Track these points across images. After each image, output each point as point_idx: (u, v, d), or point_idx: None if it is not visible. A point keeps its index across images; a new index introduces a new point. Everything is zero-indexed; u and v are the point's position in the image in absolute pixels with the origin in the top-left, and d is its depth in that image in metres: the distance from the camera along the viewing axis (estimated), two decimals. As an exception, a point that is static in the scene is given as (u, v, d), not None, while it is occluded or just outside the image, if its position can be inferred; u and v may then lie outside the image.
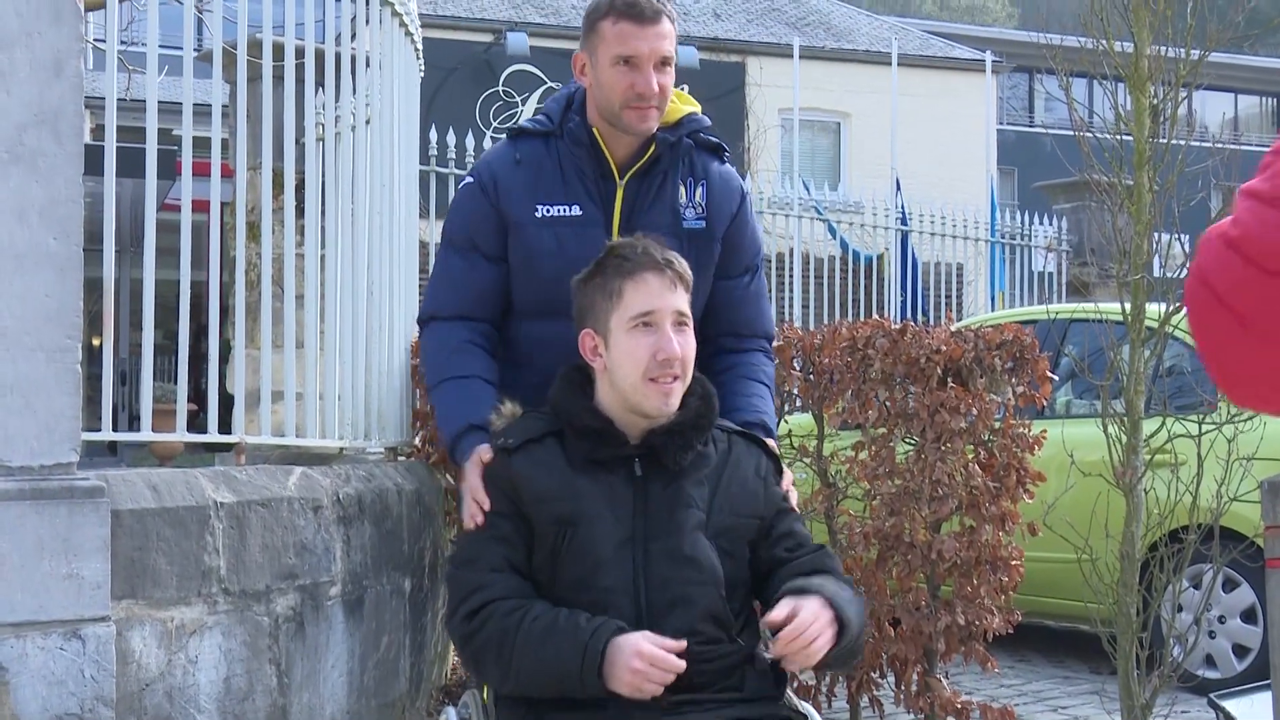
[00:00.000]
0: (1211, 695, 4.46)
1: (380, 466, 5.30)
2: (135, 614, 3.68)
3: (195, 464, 4.69)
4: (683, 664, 2.59)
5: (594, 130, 3.37)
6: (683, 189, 3.40)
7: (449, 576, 2.85)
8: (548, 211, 3.34)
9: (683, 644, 2.62)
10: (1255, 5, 5.10)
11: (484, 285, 3.42)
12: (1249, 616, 6.28)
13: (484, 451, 3.14)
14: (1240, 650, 6.31)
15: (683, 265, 2.85)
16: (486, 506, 3.02)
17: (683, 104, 3.53)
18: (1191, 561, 4.81)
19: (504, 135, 3.61)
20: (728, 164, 3.56)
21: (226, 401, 4.68)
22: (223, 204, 4.68)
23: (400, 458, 5.84)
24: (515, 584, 2.76)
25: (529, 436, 2.85)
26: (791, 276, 14.14)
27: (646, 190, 3.37)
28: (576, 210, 3.35)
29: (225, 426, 4.58)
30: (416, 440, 6.13)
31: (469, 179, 3.53)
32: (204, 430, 4.53)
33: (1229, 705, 4.37)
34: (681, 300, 2.82)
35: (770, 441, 3.21)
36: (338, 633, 4.63)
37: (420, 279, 7.90)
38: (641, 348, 2.76)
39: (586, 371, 2.92)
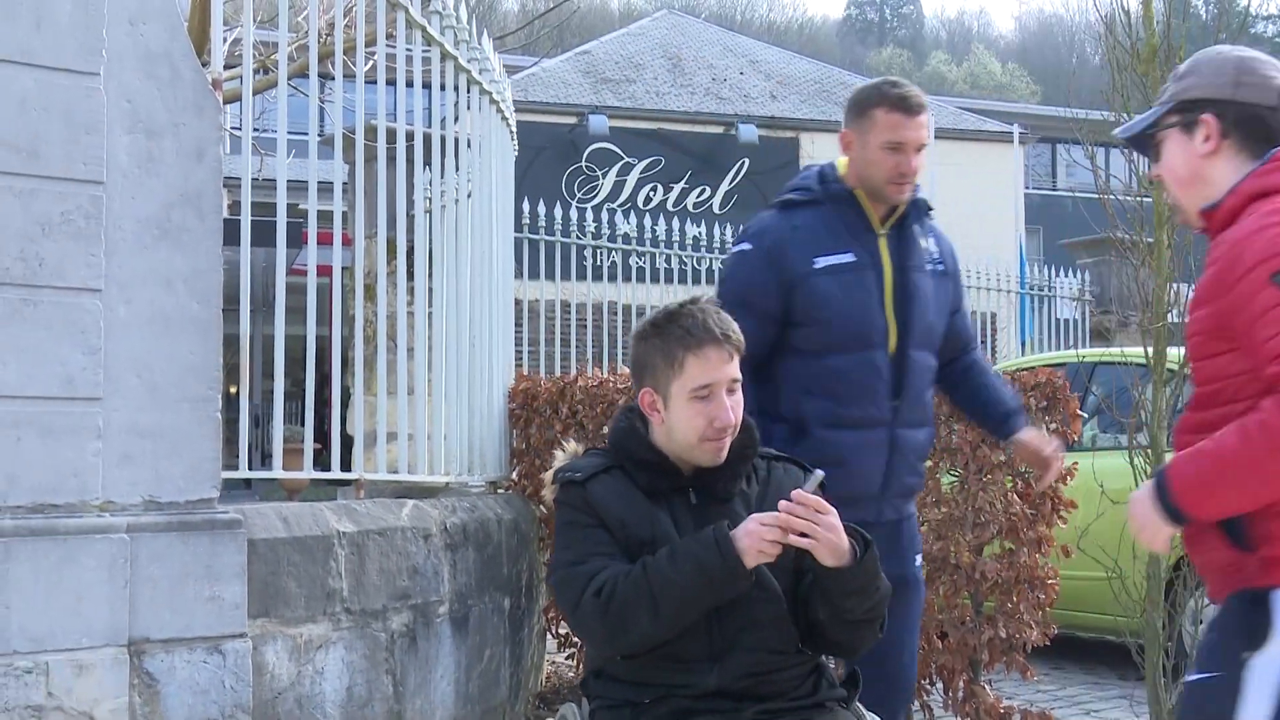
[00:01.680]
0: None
1: (482, 498, 5.31)
2: (269, 631, 3.69)
3: (320, 498, 4.71)
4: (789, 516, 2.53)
5: (854, 193, 3.47)
6: (923, 240, 3.51)
7: (562, 579, 2.70)
8: (825, 261, 3.40)
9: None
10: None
11: (750, 338, 3.23)
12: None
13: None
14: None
15: (739, 336, 2.76)
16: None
17: None
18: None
19: (774, 207, 3.58)
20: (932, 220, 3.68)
21: (347, 442, 4.71)
22: (343, 268, 4.71)
23: (500, 490, 5.85)
24: (625, 563, 2.66)
25: (596, 470, 2.78)
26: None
27: (901, 240, 3.46)
28: (850, 257, 3.41)
29: (346, 464, 4.61)
30: (514, 474, 6.15)
31: (745, 246, 3.52)
32: (327, 468, 4.55)
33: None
34: (736, 369, 2.74)
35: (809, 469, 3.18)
36: (445, 646, 4.63)
37: (515, 332, 7.95)
38: (700, 416, 2.69)
39: (640, 411, 2.85)
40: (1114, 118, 4.64)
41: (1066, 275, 16.10)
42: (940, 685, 4.98)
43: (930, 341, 3.49)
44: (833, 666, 2.91)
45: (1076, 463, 4.84)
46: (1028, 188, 23.40)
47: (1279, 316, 2.17)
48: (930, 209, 3.61)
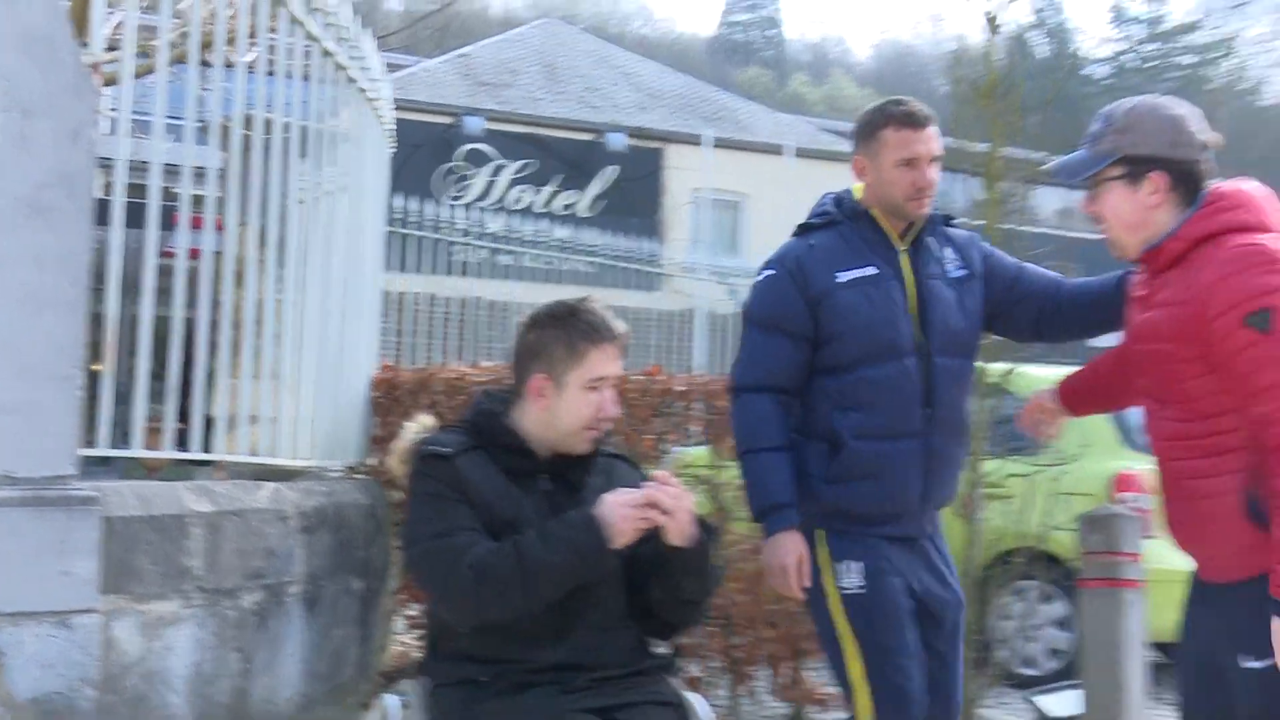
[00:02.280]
0: (1026, 694, 4.52)
1: (340, 483, 5.25)
2: (120, 607, 3.60)
3: (181, 478, 4.60)
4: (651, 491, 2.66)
5: (870, 212, 3.37)
6: (942, 250, 3.40)
7: (428, 550, 2.67)
8: (848, 276, 3.30)
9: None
10: (1083, 120, 5.21)
11: (785, 358, 3.32)
12: (1063, 625, 6.37)
13: (796, 545, 3.21)
14: (1054, 653, 6.38)
15: (627, 338, 2.86)
16: (804, 585, 3.21)
17: None
18: (1018, 579, 4.86)
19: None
20: (954, 224, 3.53)
21: (210, 424, 4.62)
22: (214, 253, 4.62)
23: (358, 476, 5.79)
24: (489, 540, 2.68)
25: (463, 447, 2.78)
26: (694, 329, 14.17)
27: (921, 254, 3.35)
28: (872, 270, 3.31)
29: (208, 445, 4.52)
30: (373, 461, 6.08)
31: (769, 271, 3.42)
32: (188, 448, 4.46)
33: (1040, 701, 4.43)
34: (621, 368, 2.85)
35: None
36: (296, 625, 4.57)
37: (383, 322, 7.84)
38: (589, 405, 2.77)
39: (500, 396, 2.90)
40: (955, 144, 4.74)
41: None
42: (767, 672, 5.06)
43: (958, 347, 3.33)
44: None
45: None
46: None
47: (1254, 356, 2.46)
48: (949, 219, 3.51)
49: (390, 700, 2.89)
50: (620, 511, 2.64)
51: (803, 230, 3.47)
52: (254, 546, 4.17)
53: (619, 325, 2.83)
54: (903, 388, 3.21)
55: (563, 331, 2.79)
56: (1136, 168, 2.70)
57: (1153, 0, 56.63)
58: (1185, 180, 2.69)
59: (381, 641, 5.43)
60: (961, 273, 3.37)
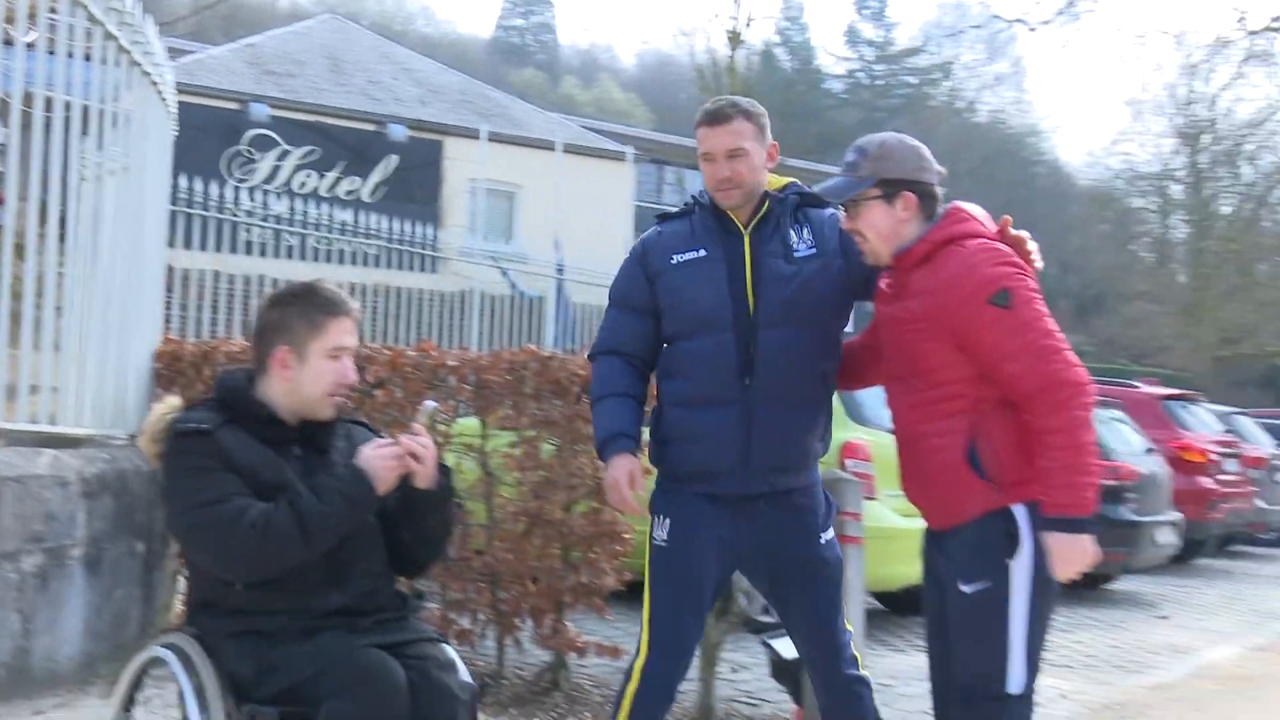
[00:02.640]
0: (762, 637, 4.67)
1: (122, 450, 5.06)
2: (-106, 570, 3.39)
3: (-42, 444, 4.36)
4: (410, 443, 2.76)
5: (716, 202, 3.37)
6: (792, 232, 3.34)
7: (202, 519, 2.62)
8: (680, 258, 3.34)
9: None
10: (820, 129, 5.42)
11: (631, 328, 3.38)
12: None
13: (626, 463, 3.26)
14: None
15: (359, 314, 2.92)
16: (630, 493, 3.23)
17: (782, 179, 3.48)
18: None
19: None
20: (829, 210, 3.43)
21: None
22: (-5, 227, 4.38)
23: (140, 443, 5.57)
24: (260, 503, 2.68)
25: (219, 423, 2.74)
26: (471, 310, 14.09)
27: (764, 237, 3.32)
28: (702, 253, 3.32)
29: (-13, 413, 4.29)
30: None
31: (627, 255, 3.50)
32: (-32, 416, 4.22)
33: (774, 644, 4.58)
34: (356, 340, 2.89)
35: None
36: (77, 587, 4.40)
37: (168, 297, 7.53)
38: (331, 372, 2.80)
39: (240, 374, 2.89)
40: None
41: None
42: (531, 623, 5.10)
43: (792, 320, 3.28)
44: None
45: (653, 437, 5.07)
46: (639, 200, 24.11)
47: (1001, 328, 2.84)
48: (822, 202, 3.43)
49: (162, 652, 2.77)
50: (382, 462, 2.73)
51: (660, 219, 3.55)
52: (34, 511, 3.99)
53: (353, 302, 2.90)
54: (717, 359, 3.24)
55: (302, 307, 2.82)
56: (891, 189, 3.02)
57: (881, 26, 58.84)
58: (928, 199, 3.05)
59: (166, 601, 5.25)
60: (809, 252, 3.35)
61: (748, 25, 3.99)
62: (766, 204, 3.36)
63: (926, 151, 3.09)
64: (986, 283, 2.87)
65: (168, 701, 2.90)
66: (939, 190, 3.10)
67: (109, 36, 4.87)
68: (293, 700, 2.61)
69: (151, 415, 2.86)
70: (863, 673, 3.43)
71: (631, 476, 3.26)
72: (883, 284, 3.15)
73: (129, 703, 2.89)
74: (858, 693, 3.39)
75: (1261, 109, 25.85)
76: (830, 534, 3.40)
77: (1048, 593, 2.95)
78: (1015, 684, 2.92)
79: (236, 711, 2.63)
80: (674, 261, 3.35)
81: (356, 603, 2.75)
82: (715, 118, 3.33)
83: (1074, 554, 2.83)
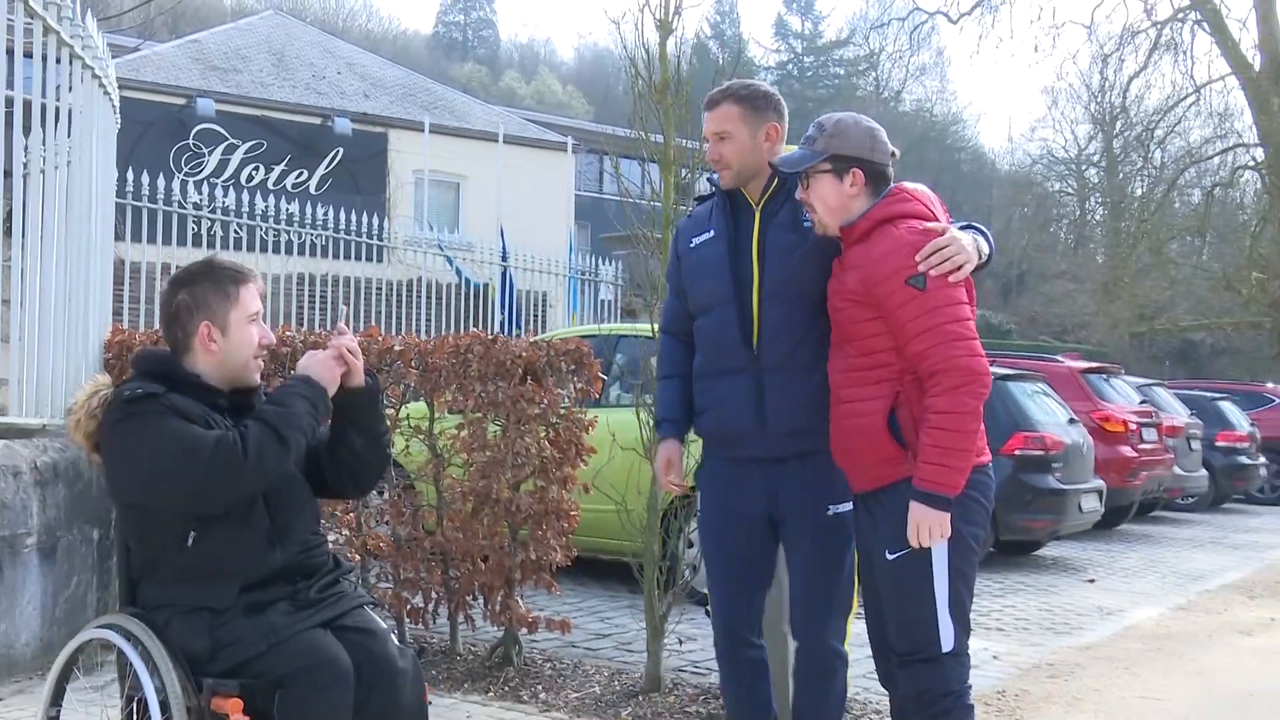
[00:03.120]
0: (707, 607, 4.66)
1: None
2: None
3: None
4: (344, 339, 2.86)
5: None
6: (797, 206, 3.32)
7: (170, 457, 2.58)
8: (697, 240, 3.46)
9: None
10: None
11: (675, 309, 3.57)
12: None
13: (665, 450, 3.48)
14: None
15: (259, 279, 2.96)
16: (669, 476, 3.46)
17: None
18: (698, 510, 4.98)
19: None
20: None
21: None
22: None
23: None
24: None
25: (162, 389, 2.71)
26: (419, 297, 13.96)
27: (773, 211, 3.35)
28: (711, 234, 3.42)
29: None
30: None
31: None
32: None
33: (720, 613, 4.58)
34: (260, 304, 2.92)
35: None
36: (33, 575, 4.30)
37: (118, 289, 7.36)
38: (253, 336, 2.83)
39: (158, 355, 2.89)
40: (634, 135, 4.80)
41: (607, 264, 16.72)
42: (482, 600, 5.06)
43: (792, 293, 3.29)
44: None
45: (597, 416, 5.05)
46: (579, 190, 24.02)
47: (913, 307, 2.90)
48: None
49: (102, 632, 2.71)
50: (322, 364, 2.82)
51: (697, 200, 3.65)
52: (-15, 501, 3.88)
53: (251, 268, 2.95)
54: (724, 333, 3.35)
55: (212, 282, 2.82)
56: (842, 164, 3.07)
57: (809, 19, 59.03)
58: (877, 178, 3.10)
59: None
60: (807, 223, 3.31)
61: (676, 14, 3.96)
62: (776, 179, 3.35)
63: (881, 133, 3.14)
64: (907, 264, 2.93)
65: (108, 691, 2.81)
66: (890, 171, 3.14)
67: (48, 30, 4.74)
68: (248, 674, 2.59)
69: (80, 396, 2.78)
70: (845, 648, 3.45)
71: (668, 462, 3.47)
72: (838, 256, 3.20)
73: (58, 696, 2.82)
74: (832, 666, 3.39)
75: (1169, 96, 26.25)
76: (839, 509, 3.33)
77: (967, 552, 3.01)
78: (947, 642, 2.97)
79: (191, 683, 2.58)
80: (691, 245, 3.50)
81: (298, 561, 2.77)
82: (707, 103, 3.47)
83: (932, 527, 2.90)
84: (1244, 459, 14.25)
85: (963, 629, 3.02)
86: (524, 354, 4.85)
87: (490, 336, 4.99)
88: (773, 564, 3.47)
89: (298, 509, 2.83)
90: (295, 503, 2.83)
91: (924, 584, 2.96)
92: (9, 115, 4.48)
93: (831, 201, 3.10)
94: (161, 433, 2.61)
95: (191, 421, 2.66)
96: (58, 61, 4.91)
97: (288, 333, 5.30)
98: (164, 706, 2.54)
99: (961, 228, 3.11)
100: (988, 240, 3.17)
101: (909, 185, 3.14)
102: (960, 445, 2.88)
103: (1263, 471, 14.97)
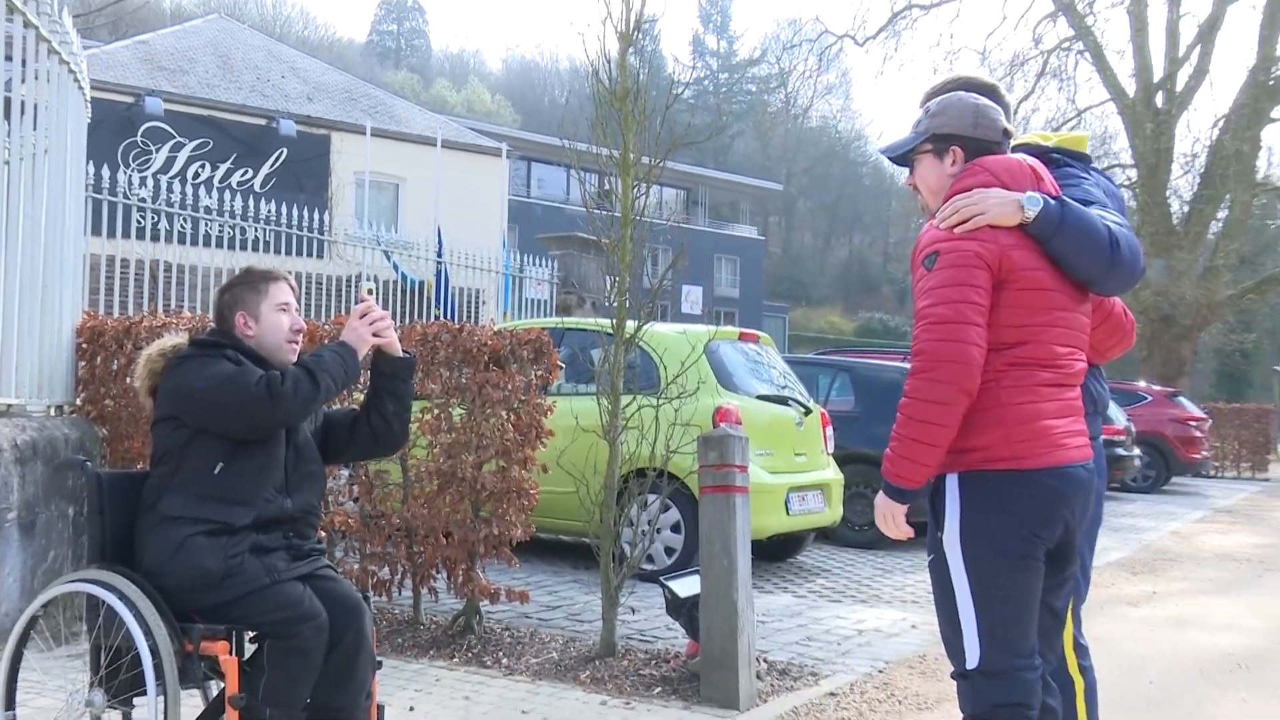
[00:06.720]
0: (661, 579, 4.73)
1: (50, 420, 4.84)
2: None
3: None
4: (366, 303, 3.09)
5: None
6: None
7: (227, 378, 2.88)
8: None
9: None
10: (686, 130, 5.44)
11: None
12: (676, 529, 6.67)
13: None
14: (669, 551, 6.68)
15: (291, 280, 3.15)
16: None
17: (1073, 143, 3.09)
18: (646, 492, 5.05)
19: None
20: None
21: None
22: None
23: (66, 413, 5.34)
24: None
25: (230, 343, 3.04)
26: (359, 292, 13.78)
27: None
28: None
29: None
30: (78, 400, 5.62)
31: None
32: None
33: (671, 585, 4.65)
34: (293, 298, 3.13)
35: None
36: (13, 548, 4.20)
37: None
38: (283, 322, 3.08)
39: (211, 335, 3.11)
40: (590, 146, 4.81)
41: (539, 263, 16.67)
42: (444, 573, 5.06)
43: None
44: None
45: (555, 401, 5.08)
46: (511, 194, 23.91)
47: (920, 288, 2.60)
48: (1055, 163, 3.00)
49: (87, 586, 2.83)
50: (353, 330, 3.06)
51: None
52: (-27, 476, 3.78)
53: (282, 270, 3.19)
54: None
55: (246, 281, 3.12)
56: (941, 143, 2.73)
57: (725, 38, 59.38)
58: (982, 155, 2.70)
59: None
60: None
61: (637, 29, 3.96)
62: None
63: (991, 110, 2.74)
64: (928, 244, 2.63)
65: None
66: (1000, 147, 2.74)
67: (28, 24, 4.63)
68: (239, 618, 2.82)
69: (151, 349, 3.05)
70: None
71: None
72: None
73: (16, 659, 3.00)
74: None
75: (1053, 118, 26.84)
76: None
77: (995, 564, 2.55)
78: (971, 658, 2.58)
79: (175, 628, 2.77)
80: None
81: (299, 514, 3.00)
82: None
83: (886, 517, 2.66)
84: (1121, 450, 14.72)
85: (994, 643, 2.56)
86: (489, 342, 4.86)
87: (457, 325, 4.99)
88: None
89: (307, 472, 3.06)
90: (306, 466, 3.06)
91: (947, 595, 2.61)
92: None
93: (932, 182, 2.76)
94: (221, 365, 2.93)
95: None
96: (37, 56, 4.81)
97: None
98: (153, 652, 2.70)
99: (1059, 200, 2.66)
100: (1073, 213, 2.64)
101: (997, 156, 2.72)
102: (913, 435, 2.51)
103: (1137, 462, 15.47)
